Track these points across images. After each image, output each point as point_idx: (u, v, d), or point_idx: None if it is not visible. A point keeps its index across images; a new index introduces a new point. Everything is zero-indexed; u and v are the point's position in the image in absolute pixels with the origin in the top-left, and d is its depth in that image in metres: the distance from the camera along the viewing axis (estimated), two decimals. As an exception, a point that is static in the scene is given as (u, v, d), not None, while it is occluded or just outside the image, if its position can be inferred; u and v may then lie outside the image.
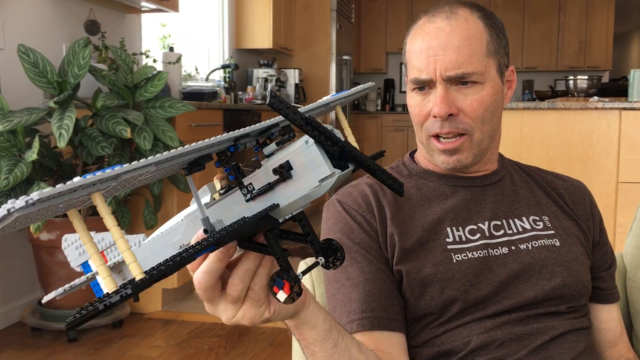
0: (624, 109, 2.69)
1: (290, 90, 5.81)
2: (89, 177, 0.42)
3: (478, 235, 0.95)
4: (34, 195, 0.39)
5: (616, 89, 4.49)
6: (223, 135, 0.52)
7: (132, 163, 0.44)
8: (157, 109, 2.81)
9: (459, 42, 0.91)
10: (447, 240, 0.94)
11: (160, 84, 2.79)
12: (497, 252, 0.94)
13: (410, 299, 0.92)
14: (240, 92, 5.10)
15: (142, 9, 3.81)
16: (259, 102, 5.08)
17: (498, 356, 0.88)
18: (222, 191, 0.58)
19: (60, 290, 0.62)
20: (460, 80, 0.92)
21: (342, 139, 0.53)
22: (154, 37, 4.61)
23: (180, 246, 0.59)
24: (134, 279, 0.45)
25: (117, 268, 0.62)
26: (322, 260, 0.59)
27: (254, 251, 0.57)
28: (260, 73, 5.46)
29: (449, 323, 0.91)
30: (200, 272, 0.57)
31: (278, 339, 2.69)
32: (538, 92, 4.93)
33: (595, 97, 2.96)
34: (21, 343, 2.64)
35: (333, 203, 1.01)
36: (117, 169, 0.43)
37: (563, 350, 0.89)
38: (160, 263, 0.48)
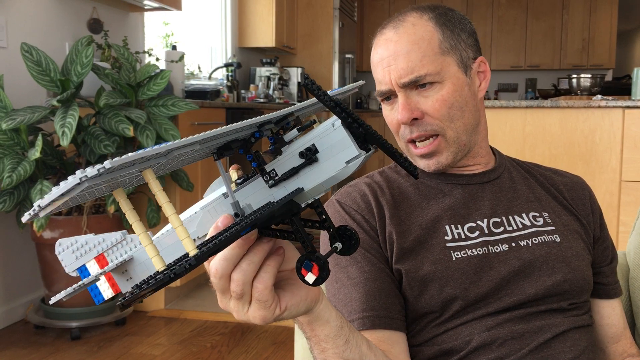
0: (627, 107, 2.68)
1: (293, 88, 5.81)
2: (148, 149, 0.43)
3: (477, 232, 0.95)
4: (106, 163, 0.40)
5: (619, 88, 4.48)
6: (252, 119, 0.53)
7: (180, 140, 0.46)
8: (159, 108, 2.81)
9: (406, 48, 0.93)
10: (446, 238, 0.94)
11: (163, 83, 2.79)
12: (497, 249, 0.94)
13: (410, 297, 0.92)
14: (243, 91, 5.11)
15: (145, 7, 3.82)
16: (261, 100, 5.09)
17: (500, 355, 0.88)
18: (239, 181, 0.58)
19: (70, 289, 0.60)
20: (417, 84, 0.93)
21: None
22: (156, 36, 4.62)
23: (196, 239, 0.59)
24: (187, 254, 0.48)
25: (122, 268, 0.61)
26: (339, 245, 0.59)
27: (276, 237, 0.57)
28: (262, 71, 5.46)
29: (450, 321, 0.91)
30: (218, 258, 0.56)
31: (281, 337, 2.69)
32: (541, 91, 4.93)
33: (599, 96, 2.95)
34: (25, 341, 2.65)
35: (332, 203, 1.01)
36: (169, 144, 0.45)
37: (565, 348, 0.89)
38: (209, 239, 0.49)
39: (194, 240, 0.59)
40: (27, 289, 2.97)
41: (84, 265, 0.61)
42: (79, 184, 0.41)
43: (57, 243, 0.62)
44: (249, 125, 0.52)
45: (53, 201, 0.42)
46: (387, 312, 0.90)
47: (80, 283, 0.60)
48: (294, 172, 0.55)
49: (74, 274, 0.62)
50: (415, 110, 0.93)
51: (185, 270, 0.46)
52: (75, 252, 0.61)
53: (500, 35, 7.72)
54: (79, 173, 0.40)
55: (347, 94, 0.69)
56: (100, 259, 0.61)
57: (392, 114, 0.97)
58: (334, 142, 0.55)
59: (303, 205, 0.57)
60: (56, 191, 0.41)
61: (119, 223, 2.78)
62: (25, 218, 0.44)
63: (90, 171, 0.40)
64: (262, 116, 0.54)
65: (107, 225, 2.72)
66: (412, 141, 0.96)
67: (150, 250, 0.47)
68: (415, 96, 0.94)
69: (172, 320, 2.94)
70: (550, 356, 0.88)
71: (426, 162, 0.97)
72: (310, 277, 0.55)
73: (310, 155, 0.55)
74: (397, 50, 0.93)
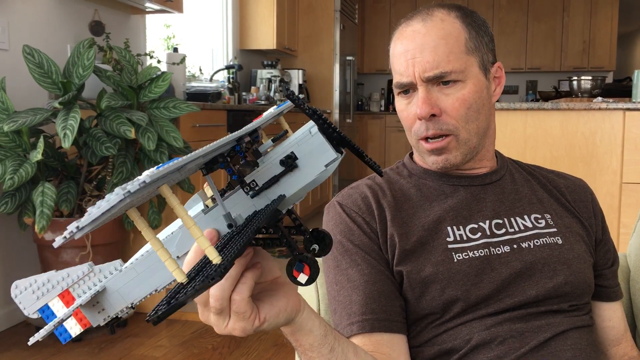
0: (628, 109, 2.69)
1: (294, 90, 5.80)
2: (171, 164, 0.44)
3: (479, 234, 0.95)
4: (146, 178, 0.41)
5: (620, 90, 4.48)
6: (231, 134, 0.54)
7: (188, 155, 0.47)
8: (161, 110, 2.82)
9: (435, 42, 0.92)
10: (448, 239, 0.94)
11: (165, 85, 2.80)
12: (498, 250, 0.94)
13: (411, 299, 0.92)
14: (244, 93, 5.11)
15: (147, 9, 3.83)
16: (262, 102, 5.09)
17: (499, 353, 0.88)
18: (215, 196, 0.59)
19: (43, 332, 0.56)
20: (440, 80, 0.92)
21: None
22: (158, 38, 4.62)
23: (176, 258, 0.59)
24: (212, 263, 0.48)
25: (92, 301, 0.58)
26: (317, 247, 0.61)
27: (259, 246, 0.59)
28: (264, 74, 5.47)
29: (451, 322, 0.91)
30: None
31: (282, 339, 2.69)
32: (542, 93, 4.93)
33: (599, 98, 2.95)
34: (26, 342, 2.65)
35: (333, 205, 1.01)
36: (180, 160, 0.46)
37: (565, 347, 0.89)
38: (227, 249, 0.50)
39: (175, 259, 0.58)
40: (29, 290, 2.97)
41: (46, 305, 0.58)
42: (122, 200, 0.41)
43: (14, 286, 0.58)
44: (231, 139, 0.54)
45: (94, 220, 0.42)
46: (387, 314, 0.90)
47: (46, 328, 0.56)
48: (275, 180, 0.57)
49: (35, 316, 0.58)
50: (434, 106, 0.93)
51: (222, 273, 0.47)
52: (35, 292, 0.58)
53: (501, 37, 7.73)
54: (119, 190, 0.41)
55: (272, 119, 0.70)
56: (65, 295, 0.58)
57: (409, 108, 0.96)
58: (312, 147, 0.58)
59: (284, 212, 0.59)
60: (97, 211, 0.41)
61: (121, 225, 2.78)
62: (58, 243, 0.42)
63: (132, 187, 0.41)
64: (237, 131, 0.56)
65: (108, 228, 2.73)
66: (424, 138, 0.96)
67: (170, 264, 0.48)
68: (436, 92, 0.93)
69: (174, 322, 2.94)
70: (550, 354, 0.88)
71: (435, 158, 0.97)
72: (303, 278, 0.56)
73: (290, 163, 0.57)
74: (424, 43, 0.92)
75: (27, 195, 2.51)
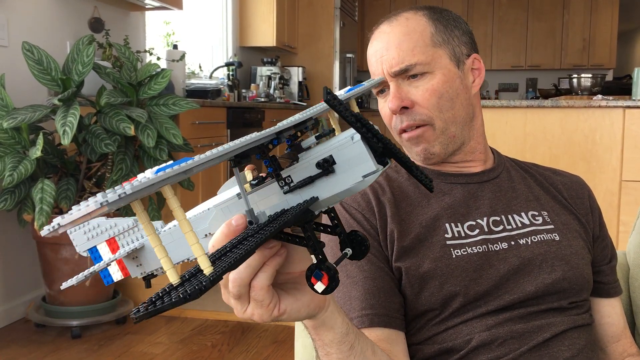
0: (628, 107, 2.69)
1: (294, 88, 5.80)
2: (170, 170, 0.43)
3: (477, 231, 0.96)
4: (127, 188, 0.40)
5: (620, 88, 4.49)
6: (271, 128, 0.53)
7: (203, 156, 0.45)
8: (160, 107, 2.81)
9: (398, 39, 0.96)
10: (446, 236, 0.94)
11: (164, 82, 2.80)
12: (496, 247, 0.94)
13: (410, 295, 0.92)
14: (243, 90, 5.11)
15: (146, 6, 3.82)
16: (262, 99, 5.09)
17: (499, 354, 0.88)
18: (253, 182, 0.59)
19: (81, 276, 0.62)
20: (408, 74, 0.96)
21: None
22: (157, 35, 4.61)
23: (206, 235, 0.59)
24: (203, 272, 0.47)
25: (132, 254, 0.62)
26: (350, 251, 0.60)
27: (287, 242, 0.58)
28: (263, 71, 5.46)
29: (450, 320, 0.91)
30: None
31: (281, 336, 2.69)
32: (542, 91, 4.93)
33: (599, 96, 2.95)
34: (25, 339, 2.66)
35: None
36: (190, 162, 0.44)
37: (563, 347, 0.90)
38: (224, 254, 0.50)
39: (205, 236, 0.59)
40: (28, 287, 2.97)
41: (94, 247, 0.63)
42: (98, 208, 0.41)
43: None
44: (268, 134, 0.53)
45: (73, 221, 0.42)
46: (386, 310, 0.90)
47: (92, 268, 0.62)
48: (309, 180, 0.55)
49: (85, 254, 0.64)
50: (405, 99, 0.95)
51: (201, 292, 0.45)
52: (87, 233, 0.63)
53: (501, 35, 7.72)
54: (99, 197, 0.40)
55: (363, 91, 0.69)
56: (112, 242, 0.63)
57: (385, 106, 0.99)
58: (351, 155, 0.54)
59: (316, 213, 0.57)
60: (77, 212, 0.41)
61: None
62: (44, 232, 0.44)
63: (112, 196, 0.40)
64: (281, 123, 0.54)
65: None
66: (404, 131, 0.98)
67: (165, 263, 0.47)
68: (406, 86, 0.96)
69: (173, 319, 2.94)
70: (548, 355, 0.88)
71: (415, 150, 0.99)
72: (320, 287, 0.55)
73: (327, 167, 0.54)
74: (389, 41, 0.96)
75: (27, 192, 2.51)
